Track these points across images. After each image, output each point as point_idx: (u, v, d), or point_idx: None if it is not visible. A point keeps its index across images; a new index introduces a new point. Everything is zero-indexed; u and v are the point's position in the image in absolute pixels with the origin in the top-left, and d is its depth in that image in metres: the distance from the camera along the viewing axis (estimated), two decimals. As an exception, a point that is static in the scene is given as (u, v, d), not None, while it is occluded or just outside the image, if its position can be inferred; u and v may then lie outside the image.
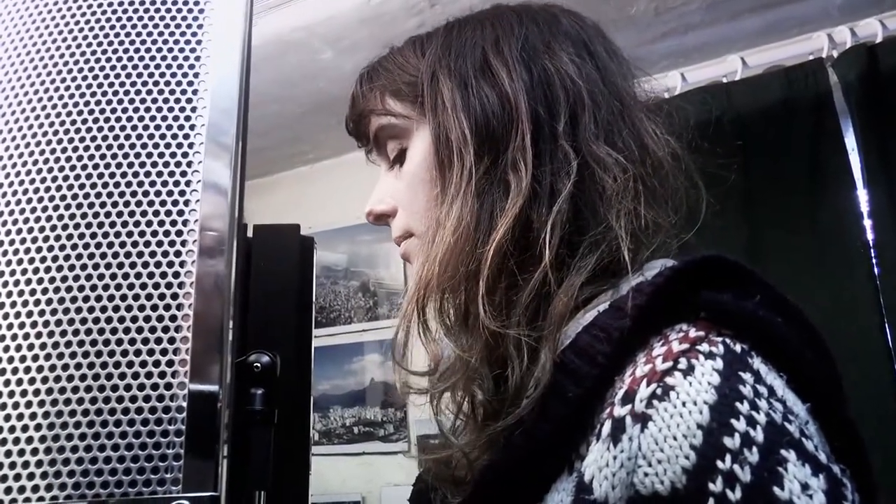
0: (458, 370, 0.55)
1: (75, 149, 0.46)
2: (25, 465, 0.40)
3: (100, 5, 0.50)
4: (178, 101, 0.47)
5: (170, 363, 0.42)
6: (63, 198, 0.44)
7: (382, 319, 2.53)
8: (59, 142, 0.46)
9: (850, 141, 1.65)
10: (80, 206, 0.44)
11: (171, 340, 0.42)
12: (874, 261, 1.56)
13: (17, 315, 0.42)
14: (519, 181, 0.54)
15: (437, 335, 0.58)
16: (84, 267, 0.43)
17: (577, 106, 0.57)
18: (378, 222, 0.66)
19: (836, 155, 1.65)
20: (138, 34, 0.49)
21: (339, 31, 1.94)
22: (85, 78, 0.47)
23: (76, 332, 0.42)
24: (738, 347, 0.44)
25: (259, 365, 0.59)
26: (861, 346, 1.51)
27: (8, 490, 0.39)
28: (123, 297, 0.43)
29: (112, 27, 0.49)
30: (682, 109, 0.65)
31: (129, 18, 0.49)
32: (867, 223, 1.59)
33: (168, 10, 0.49)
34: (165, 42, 0.49)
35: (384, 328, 2.51)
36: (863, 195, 1.60)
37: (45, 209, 0.44)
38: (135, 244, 0.44)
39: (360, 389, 2.51)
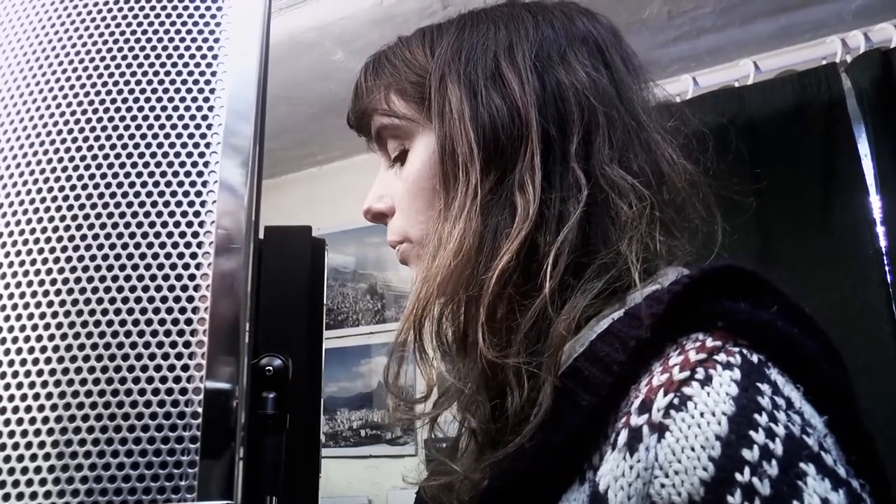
0: (451, 396, 0.54)
1: (90, 147, 0.45)
2: (38, 470, 0.39)
3: (116, 3, 0.49)
4: (194, 99, 0.46)
5: (185, 367, 0.41)
6: (77, 197, 0.44)
7: (390, 322, 2.53)
8: (74, 140, 0.45)
9: (864, 147, 1.63)
10: (94, 205, 0.43)
11: (187, 344, 0.41)
12: (887, 268, 1.54)
13: (31, 317, 0.42)
14: (526, 204, 0.52)
15: (433, 360, 0.57)
16: (98, 268, 0.42)
17: (591, 124, 0.55)
18: (375, 220, 0.64)
19: (848, 161, 1.63)
20: (155, 31, 0.48)
21: (351, 32, 1.94)
22: (101, 76, 0.47)
23: (90, 335, 0.41)
24: (755, 358, 0.43)
25: (271, 368, 0.58)
26: (873, 354, 1.49)
27: (20, 496, 0.38)
28: (138, 300, 0.42)
29: (129, 24, 0.48)
30: (697, 121, 0.63)
31: (146, 16, 0.48)
32: (880, 230, 1.57)
33: (185, 8, 0.48)
34: (182, 40, 0.48)
35: (392, 331, 2.49)
36: (876, 201, 1.59)
37: (58, 208, 0.44)
38: (150, 245, 0.43)
39: (367, 392, 2.50)
